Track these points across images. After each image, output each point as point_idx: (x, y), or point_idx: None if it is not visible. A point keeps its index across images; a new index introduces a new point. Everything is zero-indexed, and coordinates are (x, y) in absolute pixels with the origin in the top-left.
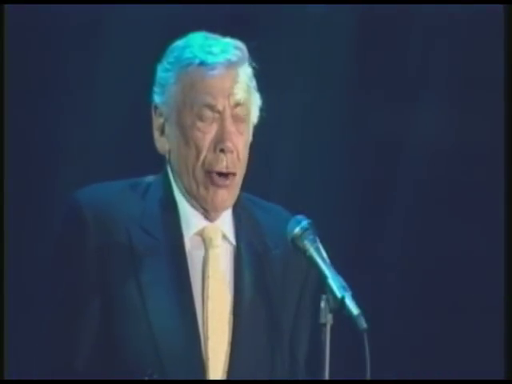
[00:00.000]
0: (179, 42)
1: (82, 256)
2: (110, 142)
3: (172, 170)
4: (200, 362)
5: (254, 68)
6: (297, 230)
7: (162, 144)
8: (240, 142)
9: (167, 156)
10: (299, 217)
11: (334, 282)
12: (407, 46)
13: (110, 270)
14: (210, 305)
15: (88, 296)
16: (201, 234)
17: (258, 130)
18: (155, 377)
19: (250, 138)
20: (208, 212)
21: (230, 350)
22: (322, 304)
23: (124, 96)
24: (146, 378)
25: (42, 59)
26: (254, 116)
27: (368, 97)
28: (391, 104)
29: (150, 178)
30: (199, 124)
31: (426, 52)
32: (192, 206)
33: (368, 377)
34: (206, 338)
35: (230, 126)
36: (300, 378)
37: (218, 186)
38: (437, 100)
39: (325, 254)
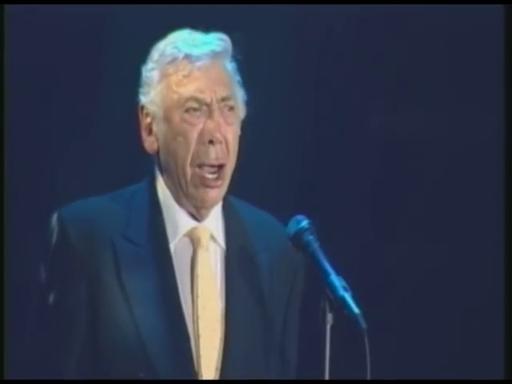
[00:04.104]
0: (162, 41)
1: (67, 272)
2: (111, 142)
3: (161, 170)
4: (191, 360)
5: (238, 61)
6: (297, 229)
7: (150, 144)
8: (229, 132)
9: (156, 156)
10: (299, 217)
11: (335, 281)
12: (407, 46)
13: (95, 283)
14: (201, 303)
15: (75, 309)
16: (189, 234)
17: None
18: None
19: (238, 130)
20: (197, 209)
21: (222, 347)
22: (322, 303)
23: (125, 96)
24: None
25: (42, 60)
26: (241, 110)
27: (367, 97)
28: (390, 104)
29: (133, 187)
30: (187, 118)
31: (425, 52)
32: (181, 204)
33: (368, 377)
34: (198, 336)
35: (218, 118)
36: (291, 378)
37: (209, 187)
38: (436, 100)
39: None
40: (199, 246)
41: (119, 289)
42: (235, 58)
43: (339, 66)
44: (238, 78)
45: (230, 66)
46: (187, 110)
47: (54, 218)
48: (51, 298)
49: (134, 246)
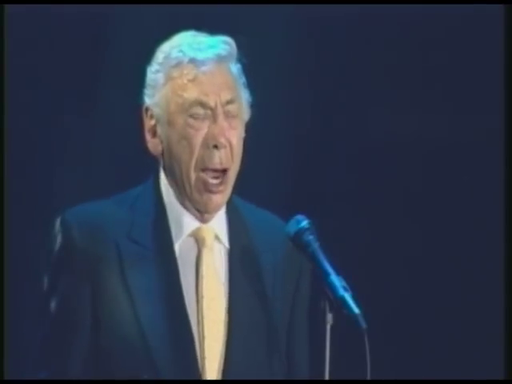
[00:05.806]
0: (167, 43)
1: (71, 274)
2: (111, 143)
3: (165, 172)
4: (195, 362)
5: (243, 64)
6: (297, 229)
7: (154, 146)
8: (233, 137)
9: (160, 158)
10: (299, 216)
11: (335, 281)
12: (406, 46)
13: (99, 285)
14: (205, 304)
15: (79, 310)
16: (194, 234)
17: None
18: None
19: (243, 133)
20: (201, 213)
21: (225, 349)
22: (322, 303)
23: (125, 97)
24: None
25: (43, 60)
26: (245, 113)
27: (366, 96)
28: (389, 104)
29: (137, 189)
30: (191, 122)
31: (425, 52)
32: (185, 207)
33: (368, 377)
34: (203, 338)
35: (223, 122)
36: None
37: (212, 192)
38: (436, 100)
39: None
40: (204, 246)
41: (124, 290)
42: (240, 60)
43: (339, 67)
44: (242, 79)
45: (235, 68)
46: (191, 115)
47: (58, 220)
48: (55, 300)
49: (138, 246)
